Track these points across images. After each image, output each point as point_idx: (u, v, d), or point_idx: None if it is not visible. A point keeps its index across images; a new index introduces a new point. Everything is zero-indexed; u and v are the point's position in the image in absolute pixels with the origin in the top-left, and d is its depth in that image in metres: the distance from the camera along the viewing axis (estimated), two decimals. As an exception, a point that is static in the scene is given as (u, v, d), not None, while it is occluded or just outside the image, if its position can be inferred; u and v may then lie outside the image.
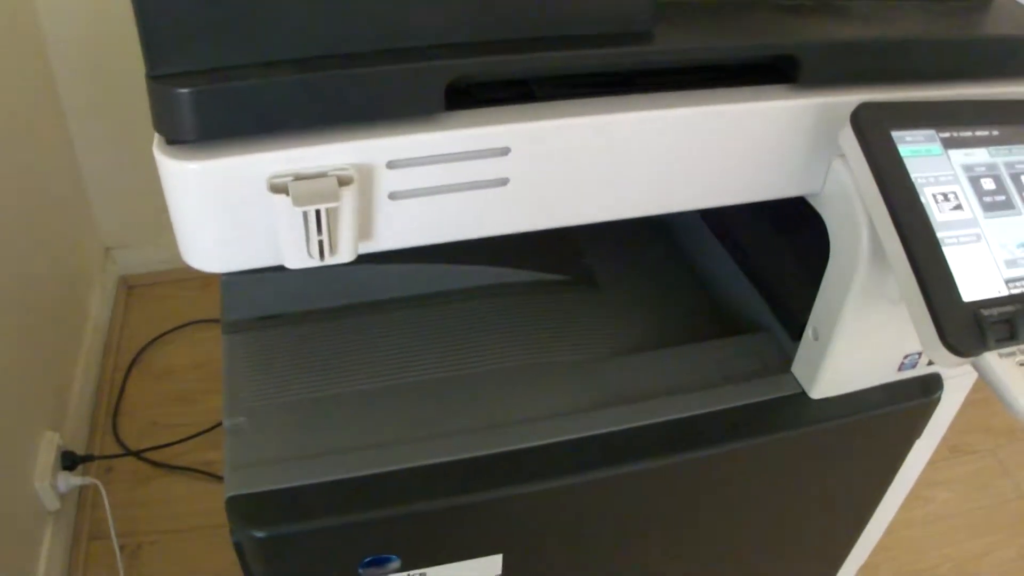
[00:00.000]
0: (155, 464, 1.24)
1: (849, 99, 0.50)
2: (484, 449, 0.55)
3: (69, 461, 1.15)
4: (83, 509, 1.18)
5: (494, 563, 0.57)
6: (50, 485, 1.09)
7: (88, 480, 1.17)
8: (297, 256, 0.44)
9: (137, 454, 1.25)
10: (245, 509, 0.51)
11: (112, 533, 1.12)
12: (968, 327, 0.46)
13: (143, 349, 1.42)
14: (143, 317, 1.48)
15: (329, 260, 0.44)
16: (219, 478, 1.22)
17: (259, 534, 0.50)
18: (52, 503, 1.11)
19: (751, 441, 0.57)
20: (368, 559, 0.53)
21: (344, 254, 0.44)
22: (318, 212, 0.41)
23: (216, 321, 1.47)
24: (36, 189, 1.22)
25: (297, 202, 0.41)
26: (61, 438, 1.16)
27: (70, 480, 1.14)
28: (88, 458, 1.21)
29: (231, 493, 0.52)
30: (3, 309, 1.05)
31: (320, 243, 0.43)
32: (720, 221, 0.72)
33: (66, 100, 1.36)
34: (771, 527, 0.68)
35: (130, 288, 1.55)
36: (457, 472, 0.54)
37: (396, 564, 0.54)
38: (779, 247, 0.67)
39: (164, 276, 1.55)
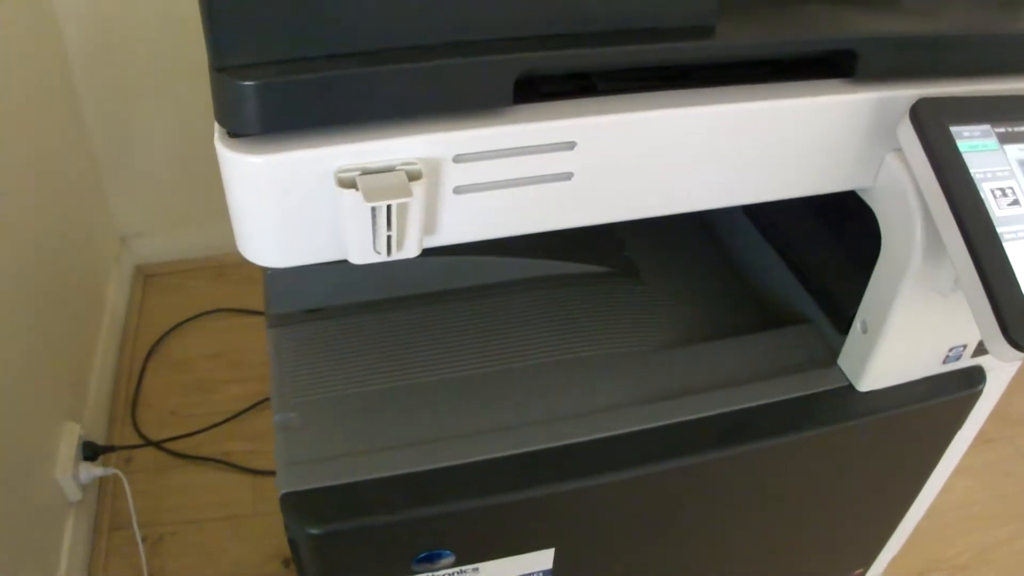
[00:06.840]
0: (175, 454, 1.24)
1: (904, 93, 0.50)
2: (536, 444, 0.55)
3: (90, 451, 1.15)
4: (104, 500, 1.18)
5: (545, 557, 0.57)
6: (72, 476, 1.09)
7: (109, 471, 1.16)
8: (363, 252, 0.43)
9: (157, 444, 1.25)
10: (300, 506, 0.51)
11: (134, 523, 1.12)
12: (1030, 322, 0.46)
13: (160, 339, 1.41)
14: (159, 307, 1.47)
15: (396, 255, 0.43)
16: (240, 468, 1.22)
17: (314, 531, 0.50)
18: (74, 494, 1.10)
19: (802, 434, 0.57)
20: (422, 554, 0.53)
21: (410, 249, 0.44)
22: (388, 207, 0.41)
23: (232, 310, 1.47)
24: (52, 178, 1.21)
25: (368, 197, 0.40)
26: (82, 428, 1.15)
27: (91, 471, 1.14)
28: (109, 448, 1.21)
29: (285, 490, 0.51)
30: (21, 300, 1.04)
31: (388, 238, 0.42)
32: (762, 213, 0.72)
33: (82, 89, 1.35)
34: (815, 518, 0.68)
35: (146, 277, 1.54)
36: (510, 468, 0.54)
37: (450, 559, 0.54)
38: (824, 239, 0.67)
39: (180, 265, 1.54)
